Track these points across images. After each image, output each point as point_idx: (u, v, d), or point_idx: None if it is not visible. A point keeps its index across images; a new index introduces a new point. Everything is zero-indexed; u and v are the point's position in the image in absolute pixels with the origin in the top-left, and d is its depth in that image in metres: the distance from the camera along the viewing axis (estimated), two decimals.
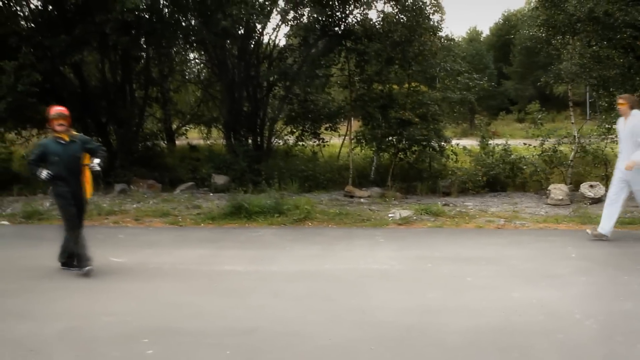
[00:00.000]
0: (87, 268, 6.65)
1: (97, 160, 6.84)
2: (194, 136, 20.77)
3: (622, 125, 8.13)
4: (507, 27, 46.39)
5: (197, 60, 19.22)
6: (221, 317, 5.23)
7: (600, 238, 8.03)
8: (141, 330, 4.88)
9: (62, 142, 6.75)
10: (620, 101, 8.18)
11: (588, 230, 8.32)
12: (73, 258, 6.88)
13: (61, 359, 4.35)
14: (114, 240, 8.66)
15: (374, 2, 13.38)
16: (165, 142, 18.60)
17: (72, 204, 6.76)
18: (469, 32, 54.21)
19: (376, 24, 13.43)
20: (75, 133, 7.03)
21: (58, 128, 6.73)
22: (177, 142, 20.21)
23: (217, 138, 19.13)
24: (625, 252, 7.35)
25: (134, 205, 11.16)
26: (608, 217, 8.05)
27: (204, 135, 19.41)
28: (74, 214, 6.83)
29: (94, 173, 6.96)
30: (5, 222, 10.19)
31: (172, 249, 8.00)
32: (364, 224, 9.58)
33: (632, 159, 7.71)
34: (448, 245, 8.03)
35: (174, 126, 20.27)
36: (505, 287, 6.00)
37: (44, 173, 6.64)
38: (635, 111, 7.95)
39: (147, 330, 4.87)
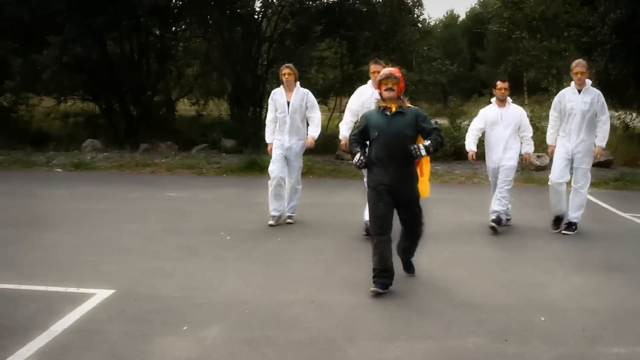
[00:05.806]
0: (373, 289, 5.02)
1: (426, 142, 5.05)
2: (190, 108, 22.12)
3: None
4: (483, 13, 48.53)
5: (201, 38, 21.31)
6: (263, 224, 7.63)
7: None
8: (216, 227, 7.35)
9: (388, 113, 5.14)
10: (285, 71, 7.65)
11: None
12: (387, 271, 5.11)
13: (170, 240, 6.76)
14: (159, 182, 11.06)
15: None
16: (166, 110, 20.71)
17: (383, 200, 5.08)
18: (446, 15, 56.73)
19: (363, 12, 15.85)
20: (408, 104, 5.27)
21: (385, 94, 5.13)
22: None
23: (211, 110, 21.42)
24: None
25: (163, 160, 13.47)
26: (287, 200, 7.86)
27: (200, 107, 21.52)
28: (383, 215, 5.10)
29: (415, 157, 5.11)
30: (60, 170, 12.46)
31: (209, 189, 10.42)
32: (355, 177, 12.04)
33: (312, 135, 7.75)
34: None
35: (173, 97, 22.31)
36: (460, 215, 8.58)
37: (356, 158, 5.17)
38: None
39: (221, 227, 7.35)
